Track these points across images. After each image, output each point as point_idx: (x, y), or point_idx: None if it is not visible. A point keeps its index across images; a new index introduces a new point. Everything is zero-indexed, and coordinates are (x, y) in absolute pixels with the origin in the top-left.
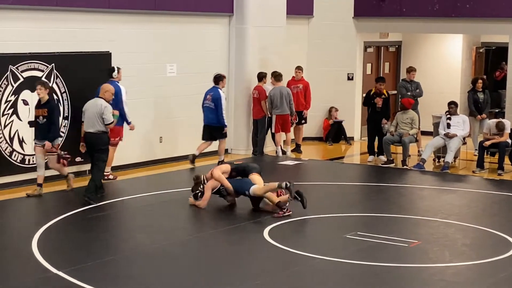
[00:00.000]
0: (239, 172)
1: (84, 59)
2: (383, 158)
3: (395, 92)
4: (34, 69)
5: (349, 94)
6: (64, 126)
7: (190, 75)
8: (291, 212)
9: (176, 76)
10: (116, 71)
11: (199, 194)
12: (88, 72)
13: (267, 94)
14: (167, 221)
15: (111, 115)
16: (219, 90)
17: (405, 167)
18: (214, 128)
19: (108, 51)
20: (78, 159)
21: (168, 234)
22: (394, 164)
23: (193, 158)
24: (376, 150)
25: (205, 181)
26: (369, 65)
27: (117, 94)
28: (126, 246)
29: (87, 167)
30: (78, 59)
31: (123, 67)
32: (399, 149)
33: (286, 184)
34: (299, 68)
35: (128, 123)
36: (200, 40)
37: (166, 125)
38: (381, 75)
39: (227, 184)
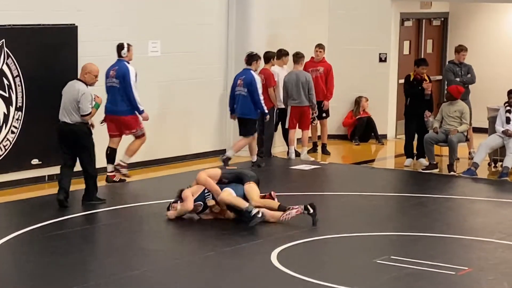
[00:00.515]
0: (232, 180)
1: (43, 33)
2: (424, 161)
3: (439, 77)
4: None
5: (381, 80)
6: (17, 119)
7: (178, 55)
8: (299, 210)
9: (161, 56)
10: (126, 49)
11: (170, 205)
12: (48, 51)
13: (276, 79)
14: (151, 240)
15: (89, 105)
16: (252, 72)
17: (452, 173)
18: (246, 120)
19: (74, 24)
20: (34, 161)
21: (152, 257)
22: (438, 170)
23: (227, 160)
24: (415, 151)
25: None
26: (406, 43)
27: (125, 76)
28: (99, 272)
29: (46, 171)
30: (35, 33)
31: (92, 44)
32: (445, 150)
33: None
34: (320, 47)
35: (140, 112)
36: (191, 11)
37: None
38: (422, 56)
39: (216, 188)
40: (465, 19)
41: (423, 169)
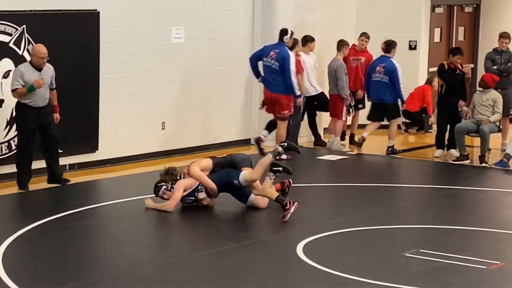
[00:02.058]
0: (224, 166)
1: (64, 19)
2: (455, 152)
3: (471, 65)
4: (0, 32)
5: (411, 68)
6: None
7: (203, 41)
8: (296, 205)
9: (184, 42)
10: (288, 35)
11: (162, 190)
12: (69, 37)
13: (303, 67)
14: (170, 232)
15: (15, 82)
16: (392, 60)
17: (484, 164)
18: (387, 106)
19: (96, 10)
20: None
21: (171, 249)
22: (469, 161)
23: (362, 141)
24: (446, 142)
25: (182, 176)
26: (437, 30)
27: (285, 60)
28: (115, 264)
29: (67, 160)
30: (56, 19)
31: (114, 30)
32: (476, 141)
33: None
34: (365, 36)
35: (296, 97)
36: None
37: (170, 107)
38: (454, 44)
39: (210, 183)
40: (498, 6)
41: (453, 160)
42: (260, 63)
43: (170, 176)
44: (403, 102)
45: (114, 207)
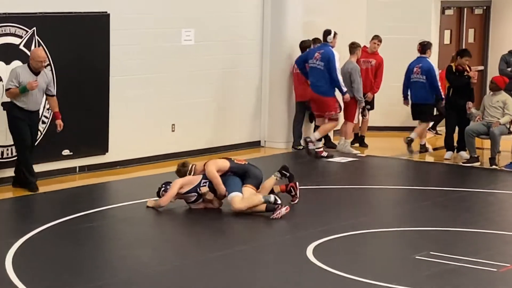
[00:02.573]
0: (236, 173)
1: (74, 21)
2: (465, 154)
3: (481, 67)
4: (10, 34)
5: None
6: (48, 109)
7: (212, 44)
8: (288, 208)
9: (194, 45)
10: (332, 35)
11: (161, 191)
12: (79, 39)
13: None
14: (180, 234)
15: (10, 82)
16: (428, 60)
17: (494, 166)
18: (422, 106)
19: (106, 12)
20: (65, 152)
21: (181, 251)
22: (479, 163)
23: (409, 142)
24: (455, 144)
25: (193, 172)
26: (447, 32)
27: (330, 60)
28: (126, 266)
29: (77, 162)
30: (66, 22)
31: (124, 32)
32: (487, 143)
33: (275, 199)
34: (377, 39)
35: (343, 93)
36: None
37: (180, 109)
38: (464, 46)
39: (222, 188)
40: (509, 8)
41: (464, 163)
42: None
43: (182, 169)
44: (442, 99)
45: (124, 209)
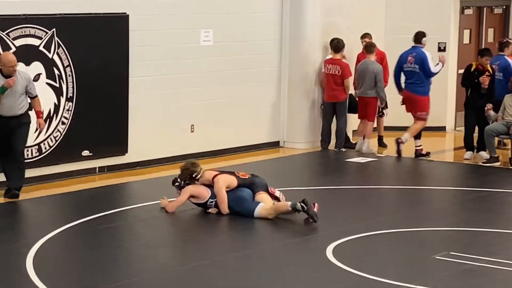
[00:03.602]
0: (245, 187)
1: (93, 23)
2: (484, 154)
3: None
4: (30, 35)
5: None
6: (68, 110)
7: (231, 44)
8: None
9: (213, 45)
10: (426, 37)
11: (175, 184)
12: (99, 40)
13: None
14: (199, 234)
15: None
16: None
17: None
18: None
19: (125, 13)
20: (85, 152)
21: (202, 251)
22: (499, 163)
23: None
24: (475, 144)
25: (200, 176)
26: (466, 32)
27: (423, 60)
28: (146, 266)
29: (96, 163)
30: (85, 23)
31: (143, 33)
32: (507, 143)
33: (302, 206)
34: (367, 36)
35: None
36: None
37: (199, 109)
38: (483, 46)
39: (225, 208)
40: None
41: (483, 162)
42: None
43: (190, 167)
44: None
45: (143, 209)
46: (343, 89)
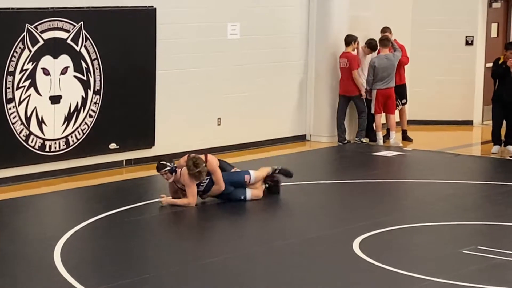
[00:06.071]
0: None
1: (121, 16)
2: None
3: None
4: (58, 28)
5: (468, 64)
6: (95, 103)
7: (258, 37)
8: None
9: (240, 39)
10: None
11: (164, 170)
12: (126, 33)
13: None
14: (227, 227)
15: None
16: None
17: None
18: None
19: (152, 6)
20: (112, 145)
21: (228, 244)
22: None
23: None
24: (503, 138)
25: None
26: (494, 26)
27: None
28: (174, 259)
29: (124, 156)
30: (113, 16)
31: (170, 26)
32: None
33: (276, 169)
34: (388, 31)
35: None
36: None
37: (226, 103)
38: (511, 39)
39: (221, 183)
40: None
41: (511, 157)
42: None
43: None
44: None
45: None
46: (354, 82)
